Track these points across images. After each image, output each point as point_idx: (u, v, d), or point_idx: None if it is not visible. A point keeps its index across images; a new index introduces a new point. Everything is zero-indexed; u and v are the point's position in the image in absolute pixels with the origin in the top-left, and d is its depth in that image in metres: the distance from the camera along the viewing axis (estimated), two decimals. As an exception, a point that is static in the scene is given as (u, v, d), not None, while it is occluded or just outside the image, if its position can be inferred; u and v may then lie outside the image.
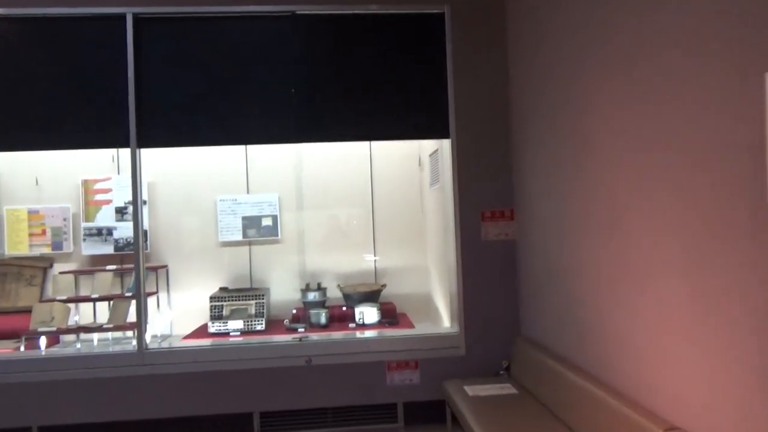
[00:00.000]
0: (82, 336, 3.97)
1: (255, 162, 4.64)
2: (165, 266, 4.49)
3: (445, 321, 4.07)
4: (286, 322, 4.13)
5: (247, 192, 4.62)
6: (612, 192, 2.36)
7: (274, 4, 3.64)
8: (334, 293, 4.44)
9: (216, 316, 4.12)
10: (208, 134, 3.63)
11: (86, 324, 4.12)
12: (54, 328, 3.85)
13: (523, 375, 3.26)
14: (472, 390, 3.18)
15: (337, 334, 3.83)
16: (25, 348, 3.80)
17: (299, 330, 3.93)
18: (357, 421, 3.62)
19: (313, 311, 4.09)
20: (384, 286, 4.44)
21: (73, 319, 4.20)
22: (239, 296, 4.21)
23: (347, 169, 4.67)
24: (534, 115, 3.26)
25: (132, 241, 4.11)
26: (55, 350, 3.81)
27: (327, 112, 3.67)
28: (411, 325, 4.03)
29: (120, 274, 4.41)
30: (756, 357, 1.58)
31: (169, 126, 3.61)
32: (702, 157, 1.78)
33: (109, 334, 4.11)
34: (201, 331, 4.11)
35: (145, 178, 4.38)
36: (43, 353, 3.69)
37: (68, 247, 4.45)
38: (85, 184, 4.45)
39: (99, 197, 4.46)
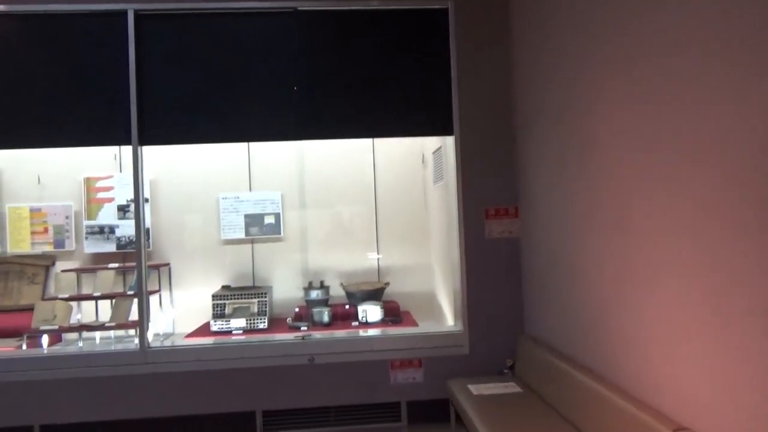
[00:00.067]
0: (84, 334, 3.96)
1: (257, 159, 4.63)
2: (167, 264, 4.48)
3: (449, 319, 4.05)
4: (289, 320, 4.12)
5: (250, 189, 4.60)
6: (617, 190, 2.34)
7: (275, 0, 3.62)
8: (336, 291, 4.42)
9: (218, 314, 4.10)
10: (210, 131, 3.61)
11: (88, 322, 4.11)
12: (56, 327, 3.84)
13: (528, 374, 3.24)
14: (476, 389, 3.16)
15: (340, 333, 3.81)
16: (27, 346, 3.79)
17: (302, 328, 3.91)
18: (360, 420, 3.60)
19: (315, 309, 4.07)
20: (387, 284, 4.42)
21: (75, 318, 4.19)
22: (242, 294, 4.19)
23: (350, 166, 4.65)
24: (538, 113, 3.24)
25: (134, 239, 4.09)
26: (57, 349, 3.80)
27: (330, 109, 3.65)
28: (414, 324, 4.01)
29: (122, 272, 4.40)
30: (765, 357, 1.55)
31: (170, 123, 3.59)
32: (707, 156, 1.75)
33: (112, 333, 4.11)
34: (203, 330, 4.10)
35: (147, 175, 4.37)
36: (45, 352, 3.69)
37: (70, 245, 4.44)
38: (87, 181, 4.44)
39: (101, 195, 4.44)
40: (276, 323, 4.19)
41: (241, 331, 4.01)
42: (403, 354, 3.59)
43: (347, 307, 4.22)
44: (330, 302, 4.33)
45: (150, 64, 3.58)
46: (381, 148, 4.65)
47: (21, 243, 4.39)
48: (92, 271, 4.28)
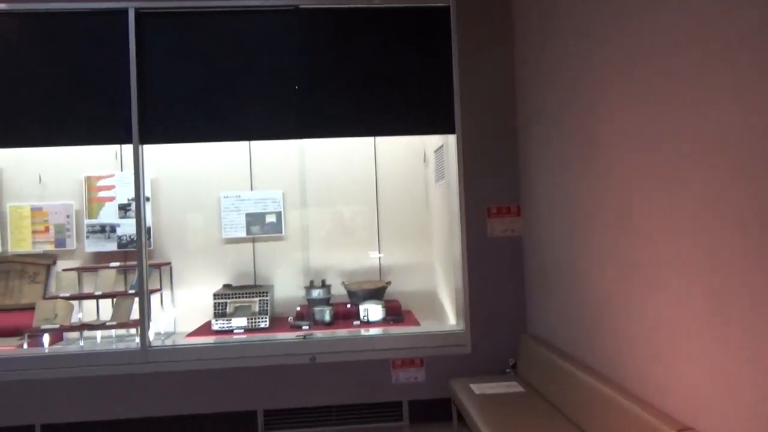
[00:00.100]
0: (86, 333, 3.96)
1: (258, 158, 4.62)
2: (168, 263, 4.48)
3: (451, 318, 4.04)
4: (290, 319, 4.11)
5: (251, 188, 4.60)
6: (619, 190, 2.33)
7: (277, -2, 3.61)
8: (338, 290, 4.42)
9: (220, 313, 4.10)
10: (211, 130, 3.60)
11: (89, 321, 4.11)
12: (57, 326, 3.84)
13: (530, 373, 3.23)
14: (478, 388, 3.15)
15: (341, 332, 3.80)
16: (28, 345, 3.79)
17: (303, 327, 3.90)
18: (362, 419, 3.59)
19: (317, 308, 4.06)
20: (389, 283, 4.41)
21: (77, 317, 4.18)
22: (243, 293, 4.19)
23: (351, 165, 4.65)
24: (540, 112, 3.22)
25: (135, 237, 4.09)
26: (58, 348, 3.80)
27: (331, 107, 3.64)
28: (416, 323, 4.00)
29: (123, 271, 4.40)
30: (765, 357, 1.55)
31: (171, 122, 3.58)
32: (707, 156, 1.74)
33: (113, 332, 4.11)
34: (204, 329, 4.10)
35: (148, 174, 4.36)
36: (46, 351, 3.68)
37: (71, 244, 4.44)
38: (88, 180, 4.44)
39: (102, 194, 4.44)
40: (277, 322, 4.19)
41: (242, 330, 4.00)
42: (404, 353, 3.58)
43: (349, 306, 4.22)
44: (331, 301, 4.32)
45: (151, 62, 3.57)
46: (382, 147, 4.64)
47: (22, 242, 4.39)
48: (93, 270, 4.28)
